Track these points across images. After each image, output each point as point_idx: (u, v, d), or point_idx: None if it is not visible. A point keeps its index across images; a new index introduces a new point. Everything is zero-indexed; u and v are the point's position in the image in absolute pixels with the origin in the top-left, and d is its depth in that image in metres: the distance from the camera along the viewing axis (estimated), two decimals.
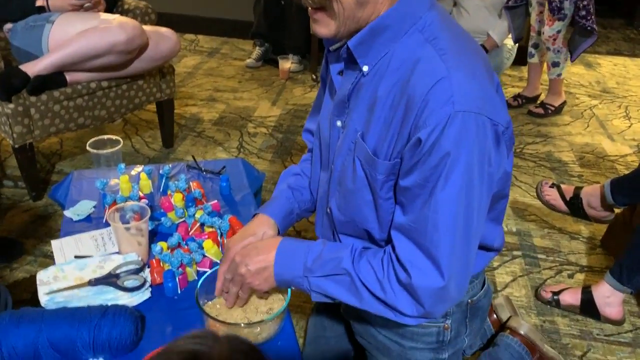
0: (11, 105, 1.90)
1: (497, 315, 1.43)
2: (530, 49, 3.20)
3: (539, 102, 3.25)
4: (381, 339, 1.05)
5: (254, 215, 1.10)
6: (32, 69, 1.92)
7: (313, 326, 1.27)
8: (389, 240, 0.89)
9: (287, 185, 1.13)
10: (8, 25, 2.11)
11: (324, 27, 0.85)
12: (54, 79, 1.98)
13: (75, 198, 1.39)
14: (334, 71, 0.95)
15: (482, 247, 0.97)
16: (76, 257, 1.17)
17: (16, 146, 2.00)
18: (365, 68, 0.87)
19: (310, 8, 0.85)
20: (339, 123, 0.95)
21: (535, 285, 1.85)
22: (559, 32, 2.90)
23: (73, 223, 1.30)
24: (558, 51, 2.97)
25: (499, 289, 1.83)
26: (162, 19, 2.77)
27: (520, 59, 3.71)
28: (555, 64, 3.02)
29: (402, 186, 0.83)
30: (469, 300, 1.02)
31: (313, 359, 1.24)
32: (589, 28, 2.75)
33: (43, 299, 1.04)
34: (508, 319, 1.40)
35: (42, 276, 1.08)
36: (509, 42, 3.32)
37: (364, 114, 0.88)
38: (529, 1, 3.04)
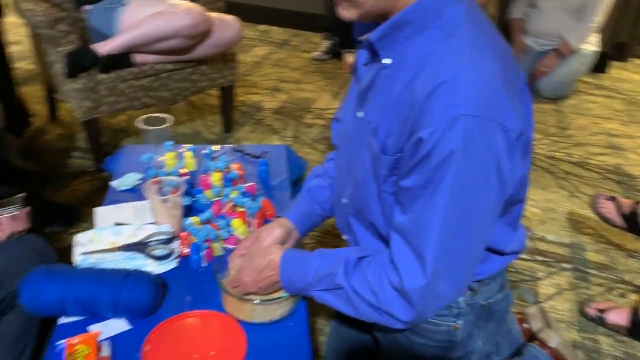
0: (81, 81, 2.04)
1: (528, 324, 1.38)
2: None
3: None
4: (393, 331, 1.04)
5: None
6: (102, 48, 2.05)
7: (336, 316, 1.28)
8: None
9: (307, 188, 1.17)
10: (87, 7, 2.25)
11: (346, 10, 0.83)
12: (122, 59, 2.10)
13: (123, 170, 1.46)
14: (361, 61, 0.95)
15: (494, 251, 0.95)
16: (116, 224, 1.25)
17: (84, 120, 2.13)
18: (385, 61, 0.86)
19: None
20: (359, 114, 0.94)
21: (582, 300, 1.76)
22: None
23: (117, 193, 1.37)
24: None
25: (541, 300, 1.75)
26: (236, 9, 2.85)
27: (600, 66, 3.52)
28: None
29: (402, 186, 0.82)
30: (484, 302, 0.99)
31: (336, 347, 1.26)
32: None
33: (77, 258, 1.11)
34: (540, 330, 1.35)
35: (80, 238, 1.16)
36: (587, 47, 3.16)
37: (378, 107, 0.87)
38: None
